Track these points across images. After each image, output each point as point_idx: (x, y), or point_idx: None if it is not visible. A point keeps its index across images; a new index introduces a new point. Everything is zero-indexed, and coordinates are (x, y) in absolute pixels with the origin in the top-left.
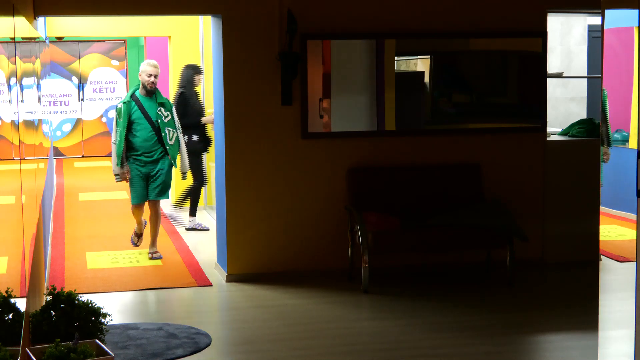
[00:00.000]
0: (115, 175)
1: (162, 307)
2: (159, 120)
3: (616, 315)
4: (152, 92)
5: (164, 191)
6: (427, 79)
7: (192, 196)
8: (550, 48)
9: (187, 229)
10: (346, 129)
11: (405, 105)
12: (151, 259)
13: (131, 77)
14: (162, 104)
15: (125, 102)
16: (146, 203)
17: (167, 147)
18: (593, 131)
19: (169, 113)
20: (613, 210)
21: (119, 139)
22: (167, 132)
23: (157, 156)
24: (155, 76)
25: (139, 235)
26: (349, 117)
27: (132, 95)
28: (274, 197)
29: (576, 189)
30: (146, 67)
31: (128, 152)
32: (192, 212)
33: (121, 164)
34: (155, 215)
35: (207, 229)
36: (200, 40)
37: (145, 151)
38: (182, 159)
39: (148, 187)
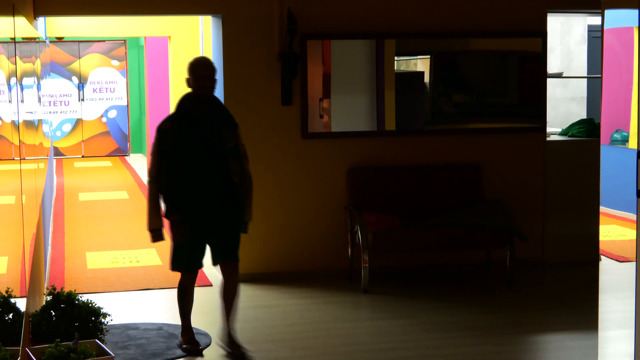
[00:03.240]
0: (155, 231)
1: (162, 307)
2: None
3: (616, 315)
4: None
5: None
6: (427, 79)
7: None
8: (550, 48)
9: None
10: (346, 129)
11: (405, 105)
12: None
13: (131, 77)
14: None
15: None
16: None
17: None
18: (593, 131)
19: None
20: (613, 210)
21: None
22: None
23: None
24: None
25: (191, 342)
26: (349, 117)
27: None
28: (274, 197)
29: (576, 189)
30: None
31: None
32: None
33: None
34: (233, 285)
35: None
36: (200, 40)
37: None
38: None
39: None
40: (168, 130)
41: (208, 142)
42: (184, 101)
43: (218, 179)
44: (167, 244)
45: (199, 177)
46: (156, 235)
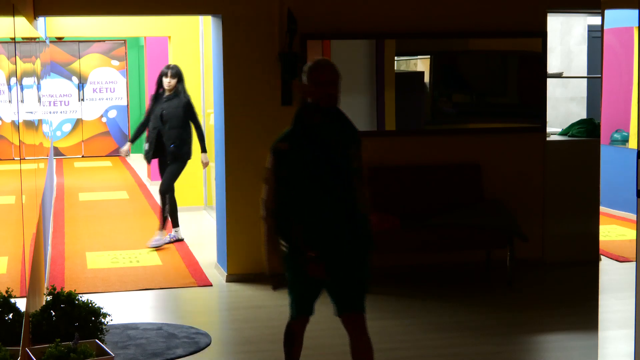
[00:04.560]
0: (279, 277)
1: (162, 307)
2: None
3: (616, 315)
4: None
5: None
6: (427, 79)
7: (173, 207)
8: (550, 48)
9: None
10: None
11: (405, 105)
12: None
13: (131, 77)
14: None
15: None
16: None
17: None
18: (593, 131)
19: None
20: (613, 210)
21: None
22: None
23: None
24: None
25: None
26: (349, 117)
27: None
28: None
29: (576, 189)
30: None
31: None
32: (176, 223)
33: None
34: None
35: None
36: (200, 40)
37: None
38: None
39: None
40: (286, 152)
41: (333, 163)
42: (303, 114)
43: (344, 208)
44: (168, 247)
45: (323, 206)
46: (281, 282)
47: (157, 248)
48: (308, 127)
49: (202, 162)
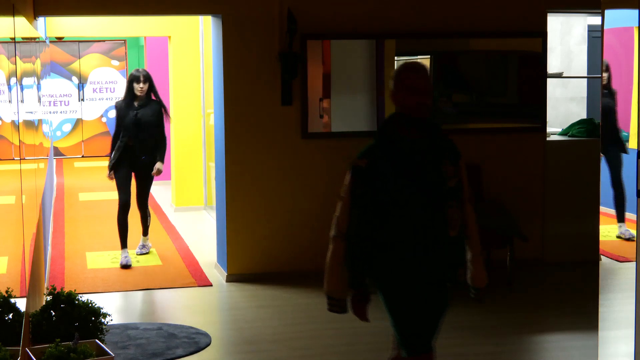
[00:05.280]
0: (337, 300)
1: (162, 307)
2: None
3: (616, 315)
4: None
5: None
6: None
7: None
8: (550, 48)
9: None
10: (346, 129)
11: None
12: None
13: None
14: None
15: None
16: None
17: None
18: (593, 131)
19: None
20: (613, 210)
21: None
22: None
23: None
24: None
25: None
26: (349, 117)
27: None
28: (274, 197)
29: (576, 189)
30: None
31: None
32: (125, 244)
33: None
34: None
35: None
36: (200, 40)
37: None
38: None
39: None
40: (366, 169)
41: (422, 182)
42: (391, 125)
43: (432, 233)
44: (168, 247)
45: (407, 231)
46: (336, 306)
47: (143, 254)
48: (393, 142)
49: (157, 169)
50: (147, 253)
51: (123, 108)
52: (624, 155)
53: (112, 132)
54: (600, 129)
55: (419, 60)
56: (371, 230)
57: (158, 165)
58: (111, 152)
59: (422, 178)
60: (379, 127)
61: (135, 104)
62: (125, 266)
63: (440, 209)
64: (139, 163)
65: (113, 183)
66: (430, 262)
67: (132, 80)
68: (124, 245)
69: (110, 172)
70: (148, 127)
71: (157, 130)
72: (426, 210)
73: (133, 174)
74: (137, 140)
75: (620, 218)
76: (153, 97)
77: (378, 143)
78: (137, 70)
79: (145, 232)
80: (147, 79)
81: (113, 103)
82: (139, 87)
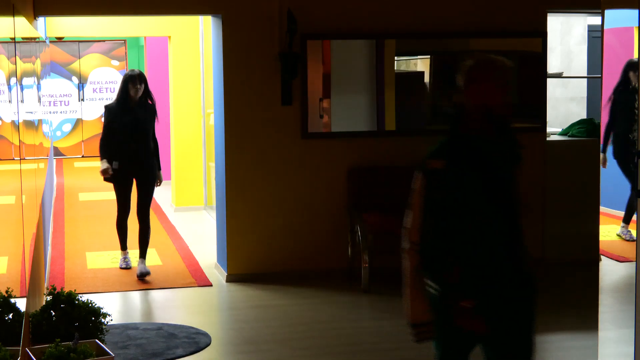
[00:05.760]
0: (422, 325)
1: (162, 307)
2: None
3: (616, 315)
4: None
5: None
6: (427, 79)
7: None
8: (550, 48)
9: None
10: (346, 129)
11: (405, 105)
12: None
13: None
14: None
15: None
16: None
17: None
18: (593, 131)
19: None
20: (613, 210)
21: None
22: None
23: None
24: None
25: None
26: (349, 117)
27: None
28: (274, 197)
29: (576, 189)
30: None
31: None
32: (125, 247)
33: None
34: None
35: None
36: (200, 40)
37: None
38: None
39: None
40: (442, 172)
41: (498, 187)
42: (462, 124)
43: (508, 243)
44: (168, 247)
45: (484, 241)
46: (425, 332)
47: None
48: (468, 140)
49: (160, 180)
50: (147, 273)
51: (117, 111)
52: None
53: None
54: (597, 129)
55: (494, 55)
56: (448, 240)
57: (160, 175)
58: (102, 154)
59: (498, 182)
60: (451, 124)
61: (131, 106)
62: (126, 269)
63: (514, 216)
64: (143, 167)
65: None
66: (509, 275)
67: (127, 81)
68: (124, 247)
69: (106, 169)
70: (148, 130)
71: (153, 134)
72: (502, 217)
73: (134, 180)
74: (139, 144)
75: (627, 219)
76: (150, 101)
77: (451, 142)
78: (132, 71)
79: (142, 253)
80: (143, 79)
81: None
82: (136, 89)
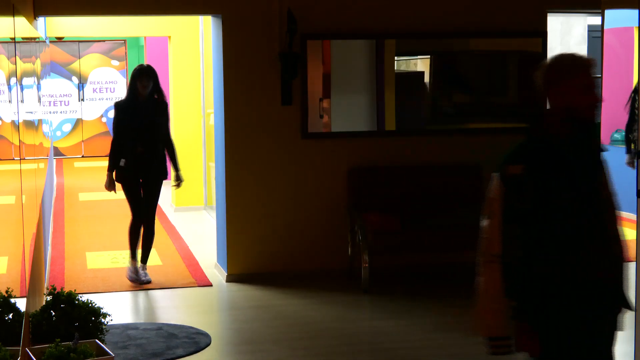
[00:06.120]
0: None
1: (162, 307)
2: None
3: None
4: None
5: None
6: (427, 79)
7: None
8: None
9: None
10: (346, 129)
11: (405, 105)
12: None
13: None
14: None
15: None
16: None
17: None
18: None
19: None
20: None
21: None
22: None
23: None
24: None
25: None
26: (349, 117)
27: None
28: (274, 197)
29: None
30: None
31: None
32: (135, 256)
33: None
34: None
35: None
36: (200, 40)
37: None
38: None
39: None
40: (522, 178)
41: (583, 194)
42: (549, 125)
43: (595, 253)
44: (168, 247)
45: (574, 248)
46: (503, 346)
47: (144, 282)
48: (550, 144)
49: (180, 181)
50: (148, 282)
51: (126, 108)
52: (624, 155)
53: (111, 131)
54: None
55: (575, 53)
56: (532, 251)
57: (177, 176)
58: (112, 160)
59: (587, 186)
60: (530, 126)
61: (141, 103)
62: (134, 281)
63: (601, 224)
64: (151, 169)
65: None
66: (603, 285)
67: (135, 76)
68: (133, 256)
69: (112, 183)
70: (159, 129)
71: (167, 133)
72: (593, 224)
73: (141, 180)
74: (149, 144)
75: None
76: (156, 96)
77: (531, 145)
78: (141, 66)
79: (144, 259)
80: (152, 74)
81: (113, 103)
82: (144, 85)
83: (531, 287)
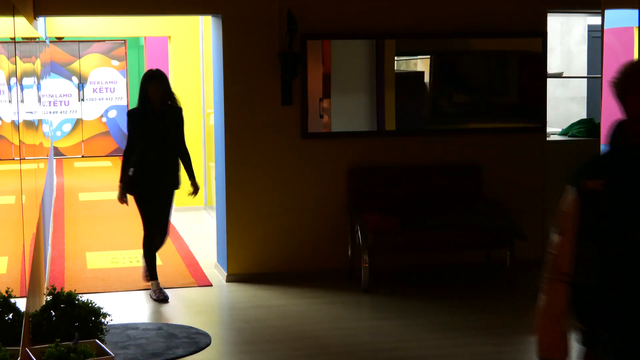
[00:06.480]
0: None
1: (162, 307)
2: None
3: None
4: None
5: None
6: (427, 79)
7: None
8: (550, 48)
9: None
10: (346, 129)
11: (405, 105)
12: None
13: (131, 77)
14: None
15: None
16: None
17: None
18: (593, 131)
19: None
20: None
21: None
22: None
23: None
24: None
25: None
26: (349, 117)
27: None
28: (274, 197)
29: None
30: None
31: None
32: (155, 275)
33: None
34: None
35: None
36: (200, 40)
37: None
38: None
39: None
40: (602, 194)
41: None
42: (623, 138)
43: None
44: (168, 247)
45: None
46: None
47: (161, 300)
48: (632, 156)
49: (196, 190)
50: (165, 300)
51: (138, 116)
52: None
53: (112, 131)
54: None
55: None
56: (607, 273)
57: (196, 184)
58: (125, 170)
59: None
60: (612, 136)
61: (152, 109)
62: (158, 301)
63: None
64: (159, 178)
65: (113, 183)
66: None
67: (144, 81)
68: (153, 276)
69: (124, 196)
70: (167, 136)
71: (182, 141)
72: None
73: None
74: (162, 153)
75: None
76: (169, 102)
77: (612, 157)
78: (151, 70)
79: (153, 274)
80: (163, 78)
81: (113, 103)
82: (156, 90)
83: (605, 312)
